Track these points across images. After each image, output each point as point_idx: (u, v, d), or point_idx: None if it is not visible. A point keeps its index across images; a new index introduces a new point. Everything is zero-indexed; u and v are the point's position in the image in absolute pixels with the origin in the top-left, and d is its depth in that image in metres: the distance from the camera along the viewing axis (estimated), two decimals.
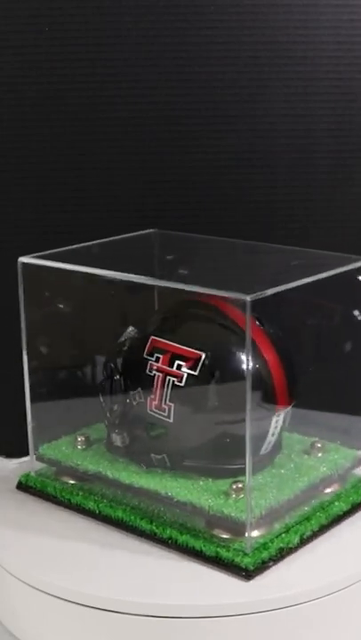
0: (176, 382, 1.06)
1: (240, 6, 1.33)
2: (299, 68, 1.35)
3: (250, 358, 0.98)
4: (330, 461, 1.10)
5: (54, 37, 1.33)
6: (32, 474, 1.19)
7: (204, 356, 1.05)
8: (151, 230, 1.28)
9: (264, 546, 0.98)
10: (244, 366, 0.99)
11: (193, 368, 1.05)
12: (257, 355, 1.04)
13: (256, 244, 1.21)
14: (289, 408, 1.08)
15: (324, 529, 1.04)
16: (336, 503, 1.07)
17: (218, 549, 0.98)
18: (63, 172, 1.39)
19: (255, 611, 0.93)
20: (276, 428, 1.06)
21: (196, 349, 1.05)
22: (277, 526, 1.01)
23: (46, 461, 1.19)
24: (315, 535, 1.03)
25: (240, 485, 1.02)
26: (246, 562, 0.96)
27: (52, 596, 0.97)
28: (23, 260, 1.19)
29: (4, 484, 1.19)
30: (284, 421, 1.08)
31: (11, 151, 1.38)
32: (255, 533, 0.99)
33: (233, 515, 0.99)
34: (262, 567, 0.97)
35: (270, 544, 0.99)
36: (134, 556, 1.01)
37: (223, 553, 0.98)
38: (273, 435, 1.06)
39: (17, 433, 1.46)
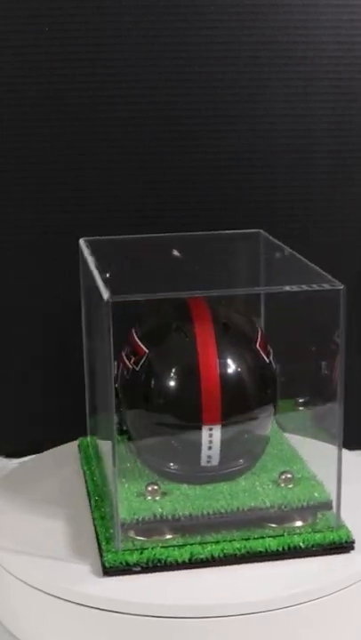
0: (125, 374, 1.07)
1: (240, 6, 1.33)
2: (299, 68, 1.35)
3: (112, 364, 0.96)
4: (281, 496, 1.03)
5: (54, 37, 1.34)
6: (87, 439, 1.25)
7: (147, 354, 1.04)
8: (258, 230, 1.25)
9: (141, 551, 0.98)
10: (183, 371, 1.02)
11: (136, 363, 1.05)
12: (194, 364, 1.02)
13: None
14: (221, 423, 1.02)
15: (235, 559, 0.98)
16: (266, 539, 0.99)
17: (106, 540, 1.00)
18: (63, 171, 1.39)
19: (255, 611, 0.93)
20: (211, 442, 1.02)
21: (145, 346, 1.06)
22: (179, 539, 1.00)
23: None
24: (215, 561, 0.98)
25: (155, 487, 1.02)
26: (107, 558, 0.97)
27: (52, 596, 0.97)
28: (83, 241, 1.21)
29: (4, 484, 1.19)
30: (240, 436, 1.04)
31: (11, 151, 1.38)
32: (168, 537, 0.99)
33: (120, 514, 1.00)
34: (124, 569, 0.96)
35: (148, 552, 0.98)
36: None
37: (104, 545, 0.99)
38: (210, 448, 1.02)
39: (17, 433, 1.46)
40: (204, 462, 1.03)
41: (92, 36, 1.34)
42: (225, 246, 1.24)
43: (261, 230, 1.22)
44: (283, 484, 1.04)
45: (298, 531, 1.01)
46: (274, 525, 1.01)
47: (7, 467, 1.36)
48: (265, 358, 1.06)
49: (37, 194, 1.40)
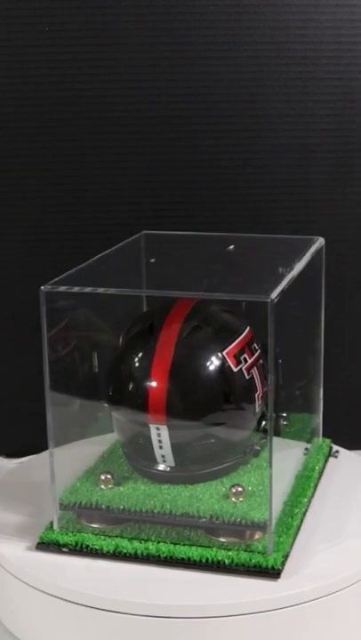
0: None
1: (240, 6, 1.33)
2: (299, 68, 1.35)
3: (45, 352, 0.99)
4: (218, 509, 1.00)
5: (54, 37, 1.34)
6: None
7: (119, 348, 1.07)
8: (319, 237, 1.21)
9: (75, 535, 1.02)
10: (138, 368, 1.03)
11: (111, 356, 1.08)
12: (149, 362, 1.03)
13: None
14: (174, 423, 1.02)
15: (157, 560, 0.98)
16: (191, 548, 0.98)
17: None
18: (63, 172, 1.39)
19: (255, 611, 0.93)
20: (160, 441, 1.03)
21: (122, 340, 1.08)
22: (117, 530, 1.02)
23: None
24: (138, 558, 0.99)
25: (108, 477, 1.05)
26: (42, 534, 1.03)
27: (52, 596, 0.97)
28: (145, 232, 1.24)
29: (3, 484, 1.19)
30: (196, 440, 1.04)
31: (11, 151, 1.38)
32: (110, 527, 1.02)
33: (62, 496, 1.04)
34: (54, 547, 1.01)
35: (79, 536, 1.01)
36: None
37: (50, 523, 1.04)
38: (161, 448, 1.03)
39: (17, 433, 1.46)
40: (159, 461, 1.05)
41: (92, 36, 1.34)
42: (282, 250, 1.20)
43: (322, 238, 1.20)
44: (233, 498, 1.02)
45: (230, 546, 0.99)
46: (222, 539, 0.99)
47: (7, 467, 1.37)
48: (232, 366, 1.04)
49: (37, 194, 1.40)
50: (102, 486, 1.05)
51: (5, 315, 1.44)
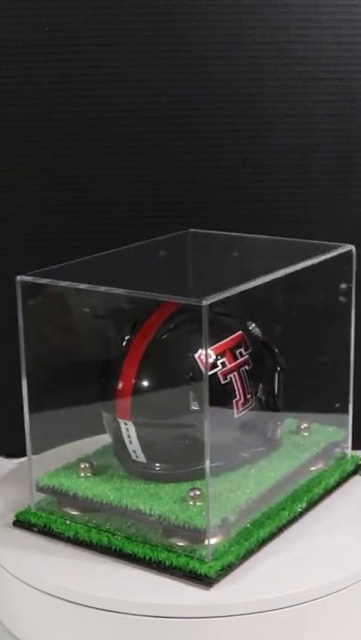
0: None
1: (240, 6, 1.33)
2: (299, 68, 1.36)
3: (22, 344, 1.06)
4: (167, 509, 0.99)
5: (54, 37, 1.34)
6: None
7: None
8: (351, 247, 1.19)
9: (45, 516, 1.05)
10: (114, 363, 1.05)
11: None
12: (122, 358, 1.03)
13: None
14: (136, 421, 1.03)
15: (109, 551, 1.00)
16: (138, 544, 0.99)
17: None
18: (63, 172, 1.39)
19: (254, 611, 0.93)
20: (129, 436, 1.04)
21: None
22: (84, 517, 1.04)
23: None
24: (93, 547, 1.00)
25: (86, 465, 1.08)
26: (18, 512, 1.07)
27: (52, 596, 0.97)
28: (192, 230, 1.25)
29: (3, 483, 1.19)
30: (164, 438, 1.03)
31: (11, 151, 1.38)
32: (82, 514, 1.04)
33: (40, 478, 1.08)
34: (26, 526, 1.05)
35: (48, 518, 1.04)
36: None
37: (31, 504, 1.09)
38: (131, 443, 1.04)
39: (17, 433, 1.46)
40: (133, 456, 1.05)
41: (92, 36, 1.34)
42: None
43: (353, 247, 1.18)
44: (190, 501, 1.00)
45: (175, 549, 0.98)
46: (176, 541, 0.98)
47: (7, 467, 1.37)
48: (202, 368, 1.00)
49: (37, 194, 1.40)
50: (81, 474, 1.07)
51: (5, 315, 1.44)
